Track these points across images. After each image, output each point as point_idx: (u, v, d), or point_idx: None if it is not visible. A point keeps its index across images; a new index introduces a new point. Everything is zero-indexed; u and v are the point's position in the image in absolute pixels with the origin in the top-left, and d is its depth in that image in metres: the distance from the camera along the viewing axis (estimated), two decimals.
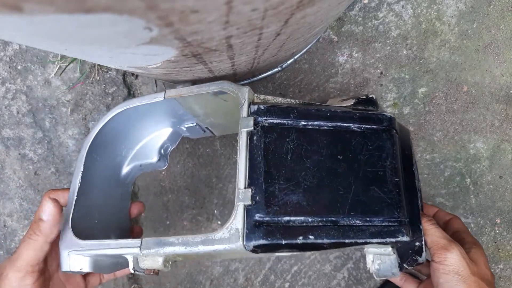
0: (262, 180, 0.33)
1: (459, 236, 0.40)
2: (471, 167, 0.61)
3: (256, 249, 0.31)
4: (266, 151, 0.34)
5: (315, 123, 0.37)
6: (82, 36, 0.24)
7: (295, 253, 0.32)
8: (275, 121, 0.36)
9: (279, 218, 0.32)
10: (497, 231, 0.62)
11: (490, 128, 0.60)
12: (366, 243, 0.33)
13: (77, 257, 0.37)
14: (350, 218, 0.33)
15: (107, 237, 0.45)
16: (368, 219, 0.34)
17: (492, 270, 0.62)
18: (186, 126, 0.50)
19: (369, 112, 0.39)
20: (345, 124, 0.37)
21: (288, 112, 0.36)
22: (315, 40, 0.60)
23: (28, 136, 0.68)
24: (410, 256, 0.36)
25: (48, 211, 0.38)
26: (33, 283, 0.37)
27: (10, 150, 0.69)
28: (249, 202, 0.32)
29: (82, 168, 0.41)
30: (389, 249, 0.35)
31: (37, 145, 0.68)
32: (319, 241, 0.32)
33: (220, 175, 0.64)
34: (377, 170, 0.36)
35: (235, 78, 0.54)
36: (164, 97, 0.41)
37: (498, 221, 0.62)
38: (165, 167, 0.50)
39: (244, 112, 0.37)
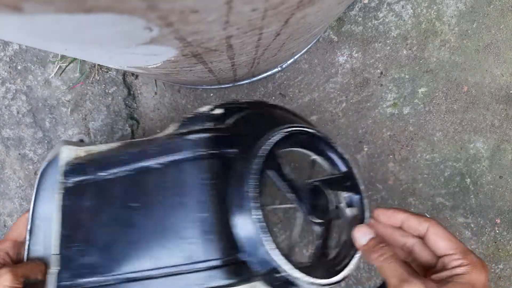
0: (61, 244, 0.33)
1: (443, 262, 0.32)
2: (471, 167, 0.61)
3: None
4: (65, 214, 0.34)
5: (113, 171, 0.34)
6: (82, 36, 0.24)
7: None
8: (76, 179, 0.34)
9: (78, 281, 0.32)
10: (497, 231, 0.62)
11: (490, 128, 0.60)
12: None
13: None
14: (155, 271, 0.30)
15: None
16: (192, 265, 0.29)
17: (492, 270, 0.62)
18: None
19: (174, 139, 0.34)
20: (143, 164, 0.33)
21: (88, 166, 0.35)
22: (315, 40, 0.60)
23: (28, 136, 0.68)
24: None
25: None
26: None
27: (10, 150, 0.69)
28: (56, 270, 0.33)
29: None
30: None
31: (37, 145, 0.68)
32: None
33: None
34: (176, 211, 0.31)
35: (235, 78, 0.54)
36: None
37: (498, 221, 0.62)
38: None
39: (61, 176, 0.36)
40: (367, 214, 0.37)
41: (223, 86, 0.61)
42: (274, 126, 0.35)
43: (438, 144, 0.61)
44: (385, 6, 0.59)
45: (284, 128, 0.35)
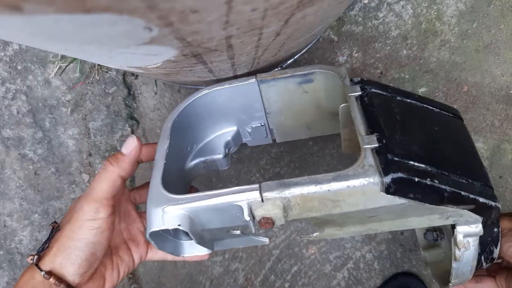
0: (383, 128, 0.35)
1: None
2: None
3: (393, 185, 0.31)
4: (379, 109, 0.37)
5: (408, 100, 0.41)
6: (82, 36, 0.24)
7: (413, 202, 0.32)
8: (377, 91, 0.40)
9: (406, 161, 0.33)
10: None
11: (490, 128, 0.60)
12: (475, 201, 0.34)
13: (174, 212, 0.33)
14: (458, 177, 0.35)
15: None
16: (471, 181, 0.36)
17: None
18: (253, 125, 0.50)
19: (442, 104, 0.43)
20: (430, 107, 0.42)
21: (385, 87, 0.40)
22: (315, 40, 0.60)
23: (28, 136, 0.68)
24: (488, 246, 0.38)
25: (130, 145, 0.37)
26: (107, 216, 0.35)
27: (10, 150, 0.69)
28: (376, 145, 0.33)
29: (169, 137, 0.39)
30: (479, 226, 0.36)
31: (37, 145, 0.68)
32: (443, 186, 0.33)
33: (220, 175, 0.64)
34: (465, 146, 0.40)
35: (235, 78, 0.54)
36: (256, 79, 0.43)
37: None
38: (227, 167, 0.49)
39: (348, 82, 0.40)
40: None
41: None
42: None
43: None
44: (385, 6, 0.59)
45: None
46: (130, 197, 0.43)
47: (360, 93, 0.39)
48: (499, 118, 0.60)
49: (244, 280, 0.64)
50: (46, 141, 0.68)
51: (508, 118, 0.60)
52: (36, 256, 0.35)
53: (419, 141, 0.36)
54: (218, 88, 0.44)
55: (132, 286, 0.67)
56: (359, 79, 0.41)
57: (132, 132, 0.64)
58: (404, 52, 0.60)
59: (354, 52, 0.60)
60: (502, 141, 0.60)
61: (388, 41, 0.60)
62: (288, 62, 0.59)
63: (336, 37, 0.60)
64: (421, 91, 0.60)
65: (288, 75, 0.43)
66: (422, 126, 0.39)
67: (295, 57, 0.60)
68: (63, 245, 0.35)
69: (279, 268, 0.63)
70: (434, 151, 0.37)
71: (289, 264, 0.63)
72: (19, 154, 0.69)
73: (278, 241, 0.64)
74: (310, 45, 0.60)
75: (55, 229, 0.36)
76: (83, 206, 0.35)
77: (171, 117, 0.43)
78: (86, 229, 0.35)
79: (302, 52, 0.60)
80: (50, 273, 0.33)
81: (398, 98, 0.40)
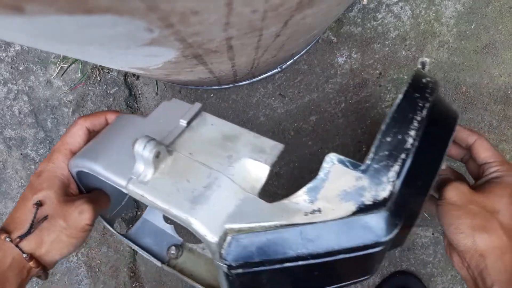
0: None
1: (484, 169, 0.38)
2: None
3: None
4: None
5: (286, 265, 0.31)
6: (83, 37, 0.24)
7: None
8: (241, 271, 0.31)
9: None
10: None
11: (488, 129, 0.60)
12: None
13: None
14: None
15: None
16: None
17: None
18: None
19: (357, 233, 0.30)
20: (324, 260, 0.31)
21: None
22: (314, 41, 0.60)
23: (30, 136, 0.68)
24: None
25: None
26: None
27: (12, 150, 0.69)
28: None
29: None
30: None
31: (39, 145, 0.68)
32: None
33: None
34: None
35: (235, 79, 0.54)
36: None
37: None
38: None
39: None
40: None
41: (223, 86, 0.62)
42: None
43: None
44: (384, 7, 0.60)
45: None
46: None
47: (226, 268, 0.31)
48: (497, 118, 0.60)
49: None
50: (47, 141, 0.68)
51: (506, 119, 0.60)
52: (17, 239, 0.35)
53: None
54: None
55: (134, 285, 0.67)
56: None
57: None
58: (403, 53, 0.60)
59: (353, 53, 0.61)
60: (500, 141, 0.61)
61: (387, 42, 0.60)
62: (287, 63, 0.60)
63: (335, 38, 0.61)
64: None
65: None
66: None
67: (295, 58, 0.60)
68: (58, 239, 0.36)
69: None
70: None
71: None
72: (21, 154, 0.69)
73: None
74: (310, 46, 0.60)
75: (42, 219, 0.36)
76: (57, 156, 0.38)
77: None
78: (85, 231, 0.37)
79: (301, 53, 0.60)
80: (31, 257, 0.35)
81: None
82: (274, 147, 0.35)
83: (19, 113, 0.67)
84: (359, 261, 0.30)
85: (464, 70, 0.60)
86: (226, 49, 0.33)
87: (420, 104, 0.33)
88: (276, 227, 0.29)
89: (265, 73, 0.60)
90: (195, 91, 0.63)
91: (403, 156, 0.31)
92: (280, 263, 0.29)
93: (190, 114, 0.37)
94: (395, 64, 0.60)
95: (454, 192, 0.35)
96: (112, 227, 0.46)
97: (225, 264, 0.29)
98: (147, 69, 0.39)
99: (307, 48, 0.60)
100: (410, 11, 0.60)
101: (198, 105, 0.38)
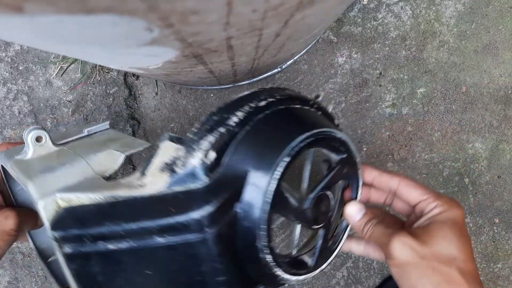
0: None
1: (420, 209, 0.34)
2: (469, 167, 0.61)
3: None
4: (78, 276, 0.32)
5: (110, 246, 0.30)
6: (83, 37, 0.24)
7: None
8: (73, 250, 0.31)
9: None
10: (496, 231, 0.62)
11: (489, 128, 0.60)
12: None
13: None
14: None
15: None
16: None
17: (491, 270, 0.63)
18: None
19: (174, 217, 0.28)
20: (146, 243, 0.30)
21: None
22: (314, 41, 0.60)
23: None
24: None
25: None
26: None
27: None
28: None
29: None
30: None
31: None
32: None
33: None
34: (193, 277, 0.30)
35: (235, 79, 0.54)
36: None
37: (497, 220, 0.62)
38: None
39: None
40: (359, 191, 0.37)
41: (223, 86, 0.61)
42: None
43: (437, 144, 0.61)
44: (384, 7, 0.60)
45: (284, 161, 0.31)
46: None
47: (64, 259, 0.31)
48: (497, 118, 0.60)
49: None
50: None
51: (507, 119, 0.60)
52: None
53: None
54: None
55: None
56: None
57: (133, 133, 0.65)
58: (403, 53, 0.60)
59: (353, 53, 0.61)
60: (500, 141, 0.61)
61: (387, 42, 0.60)
62: (288, 63, 0.60)
63: (335, 38, 0.61)
64: (420, 91, 0.61)
65: None
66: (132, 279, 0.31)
67: (295, 58, 0.60)
68: None
69: None
70: None
71: None
72: None
73: (278, 240, 0.64)
74: (310, 46, 0.60)
75: None
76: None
77: None
78: (10, 235, 0.39)
79: (301, 53, 0.60)
80: None
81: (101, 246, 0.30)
82: (140, 144, 0.42)
83: (19, 113, 0.67)
84: (182, 254, 0.29)
85: (465, 70, 0.60)
86: (226, 48, 0.33)
87: (262, 97, 0.33)
88: (99, 199, 0.30)
89: (265, 73, 0.60)
90: (195, 91, 0.63)
91: (222, 130, 0.30)
92: (102, 239, 0.30)
93: (94, 127, 0.47)
94: (395, 64, 0.60)
95: (404, 249, 0.31)
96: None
97: (52, 236, 0.31)
98: (147, 69, 0.39)
99: (307, 48, 0.60)
100: (410, 11, 0.59)
101: (105, 124, 0.49)
